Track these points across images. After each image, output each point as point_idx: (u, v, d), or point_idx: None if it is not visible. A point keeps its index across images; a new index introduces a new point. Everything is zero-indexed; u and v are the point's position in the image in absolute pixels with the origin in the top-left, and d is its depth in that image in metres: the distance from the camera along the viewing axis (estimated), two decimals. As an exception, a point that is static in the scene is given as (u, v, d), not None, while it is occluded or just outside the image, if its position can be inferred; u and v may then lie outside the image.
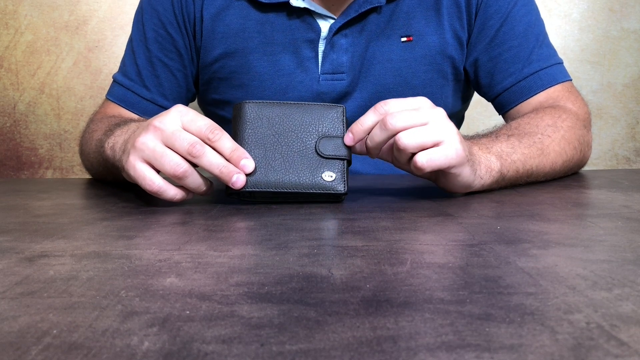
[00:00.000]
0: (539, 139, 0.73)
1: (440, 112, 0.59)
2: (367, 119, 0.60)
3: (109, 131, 0.73)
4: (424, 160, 0.57)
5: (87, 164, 0.86)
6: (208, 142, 0.58)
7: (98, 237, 0.48)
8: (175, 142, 0.57)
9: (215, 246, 0.44)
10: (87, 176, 0.95)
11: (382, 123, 0.58)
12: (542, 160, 0.72)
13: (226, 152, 0.59)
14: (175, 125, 0.58)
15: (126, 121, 0.75)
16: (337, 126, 0.63)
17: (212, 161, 0.58)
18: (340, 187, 0.61)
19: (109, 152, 0.68)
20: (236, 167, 0.59)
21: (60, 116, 1.48)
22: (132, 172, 0.59)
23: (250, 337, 0.26)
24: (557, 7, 1.49)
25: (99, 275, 0.37)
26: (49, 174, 1.50)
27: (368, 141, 0.60)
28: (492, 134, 0.72)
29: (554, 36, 1.48)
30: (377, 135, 0.59)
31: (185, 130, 0.58)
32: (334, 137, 0.62)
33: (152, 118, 0.61)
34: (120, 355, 0.25)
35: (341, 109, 0.64)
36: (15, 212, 0.61)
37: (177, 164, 0.57)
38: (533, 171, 0.72)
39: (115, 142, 0.67)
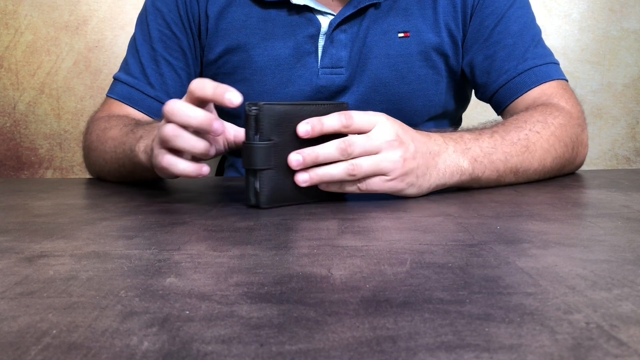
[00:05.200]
0: (525, 135, 0.73)
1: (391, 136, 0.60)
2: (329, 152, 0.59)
3: (132, 133, 0.75)
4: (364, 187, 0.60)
5: (100, 161, 0.85)
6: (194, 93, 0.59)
7: (98, 237, 0.48)
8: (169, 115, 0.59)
9: (215, 246, 0.44)
10: (87, 176, 0.95)
11: (342, 152, 0.58)
12: (527, 158, 0.72)
13: (209, 92, 0.58)
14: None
15: (149, 122, 0.77)
16: None
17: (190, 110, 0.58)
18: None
19: (141, 155, 0.70)
20: (222, 102, 0.58)
21: (60, 116, 1.48)
22: (165, 163, 0.61)
23: (249, 337, 0.26)
24: (557, 7, 1.49)
25: (99, 275, 0.37)
26: (49, 174, 1.50)
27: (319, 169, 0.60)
28: (476, 131, 0.72)
29: (554, 36, 1.48)
30: (333, 163, 0.59)
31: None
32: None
33: None
34: (120, 355, 0.25)
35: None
36: (15, 212, 0.61)
37: (194, 141, 0.59)
38: (518, 168, 0.72)
39: (146, 145, 0.69)
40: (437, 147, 0.64)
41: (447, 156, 0.65)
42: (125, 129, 0.80)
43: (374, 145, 0.59)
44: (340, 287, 0.33)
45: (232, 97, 0.57)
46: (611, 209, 0.57)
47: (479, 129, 0.73)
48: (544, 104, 0.83)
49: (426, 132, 0.65)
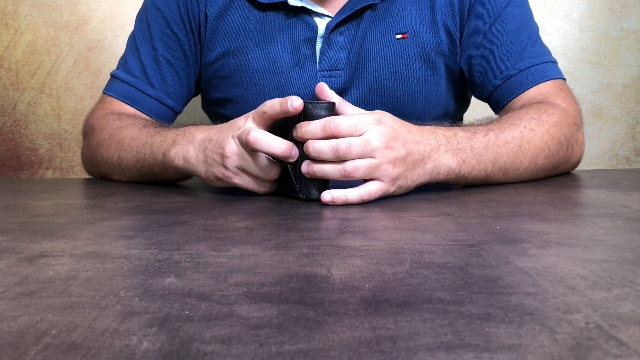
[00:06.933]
0: (519, 132, 0.73)
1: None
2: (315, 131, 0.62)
3: (159, 135, 0.77)
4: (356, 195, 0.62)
5: (115, 159, 0.84)
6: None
7: (98, 237, 0.48)
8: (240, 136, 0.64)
9: (214, 246, 0.44)
10: (87, 176, 0.95)
11: (336, 150, 0.60)
12: (518, 157, 0.73)
13: (279, 109, 0.64)
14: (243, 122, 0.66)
15: (178, 125, 0.79)
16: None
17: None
18: (314, 194, 0.63)
19: (178, 161, 0.72)
20: (288, 110, 0.63)
21: (60, 116, 1.48)
22: (238, 181, 0.67)
23: (249, 337, 0.26)
24: (557, 7, 1.49)
25: (99, 275, 0.37)
26: (49, 174, 1.50)
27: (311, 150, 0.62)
28: (471, 129, 0.72)
29: (554, 36, 1.48)
30: (325, 154, 0.61)
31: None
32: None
33: (226, 125, 0.68)
34: (120, 355, 0.25)
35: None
36: (15, 212, 0.61)
37: (265, 166, 0.65)
38: (507, 168, 0.72)
39: (186, 152, 0.71)
40: (429, 148, 0.65)
41: (437, 157, 0.66)
42: (145, 130, 0.80)
43: (370, 149, 0.61)
44: (340, 287, 0.33)
45: (293, 101, 0.62)
46: (611, 209, 0.57)
47: (475, 126, 0.73)
48: (539, 102, 0.83)
49: (420, 130, 0.66)
